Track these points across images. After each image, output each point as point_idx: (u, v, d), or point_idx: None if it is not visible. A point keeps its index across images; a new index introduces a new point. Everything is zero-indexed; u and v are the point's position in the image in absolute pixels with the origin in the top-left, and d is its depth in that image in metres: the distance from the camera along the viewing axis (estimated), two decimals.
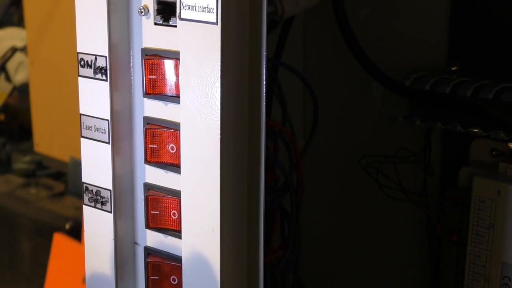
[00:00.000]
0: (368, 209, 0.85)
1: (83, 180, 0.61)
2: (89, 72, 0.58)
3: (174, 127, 0.56)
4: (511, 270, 0.69)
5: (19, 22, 2.35)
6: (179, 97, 0.54)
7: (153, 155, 0.58)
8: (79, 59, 0.58)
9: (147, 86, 0.57)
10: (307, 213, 0.83)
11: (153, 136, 0.57)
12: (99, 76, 0.57)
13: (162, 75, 0.56)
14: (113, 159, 0.58)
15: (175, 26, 0.55)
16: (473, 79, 0.72)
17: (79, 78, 0.59)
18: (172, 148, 0.56)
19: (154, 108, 0.57)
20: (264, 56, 0.54)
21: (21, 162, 2.06)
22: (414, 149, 0.78)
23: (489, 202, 0.69)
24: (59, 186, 1.89)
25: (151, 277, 0.60)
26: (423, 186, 0.77)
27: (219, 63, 0.51)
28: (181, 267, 0.57)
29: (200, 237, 0.55)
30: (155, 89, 0.57)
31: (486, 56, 0.75)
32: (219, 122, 0.52)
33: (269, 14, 0.56)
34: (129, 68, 0.58)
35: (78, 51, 0.58)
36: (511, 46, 0.73)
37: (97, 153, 0.59)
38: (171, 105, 0.56)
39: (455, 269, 0.74)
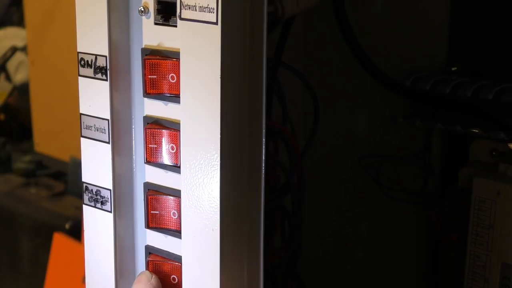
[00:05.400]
0: (368, 209, 0.85)
1: (83, 179, 0.61)
2: (89, 71, 0.58)
3: (174, 127, 0.56)
4: (511, 270, 0.69)
5: (19, 22, 2.35)
6: (179, 97, 0.54)
7: (153, 155, 0.58)
8: (79, 58, 0.58)
9: (147, 86, 0.57)
10: (307, 213, 0.83)
11: (153, 136, 0.57)
12: (99, 75, 0.57)
13: (162, 75, 0.56)
14: (113, 159, 0.58)
15: (175, 26, 0.55)
16: (473, 79, 0.72)
17: (79, 77, 0.58)
18: (172, 148, 0.56)
19: (154, 108, 0.57)
20: (264, 56, 0.54)
21: (21, 162, 2.05)
22: (414, 149, 0.78)
23: (489, 203, 0.69)
24: (59, 186, 1.88)
25: None
26: (423, 186, 0.77)
27: (219, 63, 0.51)
28: (181, 266, 0.57)
29: (200, 237, 0.55)
30: (155, 89, 0.57)
31: (486, 56, 0.75)
32: (219, 122, 0.52)
33: (269, 14, 0.56)
34: (129, 68, 0.58)
35: (78, 50, 0.58)
36: (511, 46, 0.73)
37: (97, 153, 0.59)
38: (171, 105, 0.56)
39: (455, 269, 0.74)
